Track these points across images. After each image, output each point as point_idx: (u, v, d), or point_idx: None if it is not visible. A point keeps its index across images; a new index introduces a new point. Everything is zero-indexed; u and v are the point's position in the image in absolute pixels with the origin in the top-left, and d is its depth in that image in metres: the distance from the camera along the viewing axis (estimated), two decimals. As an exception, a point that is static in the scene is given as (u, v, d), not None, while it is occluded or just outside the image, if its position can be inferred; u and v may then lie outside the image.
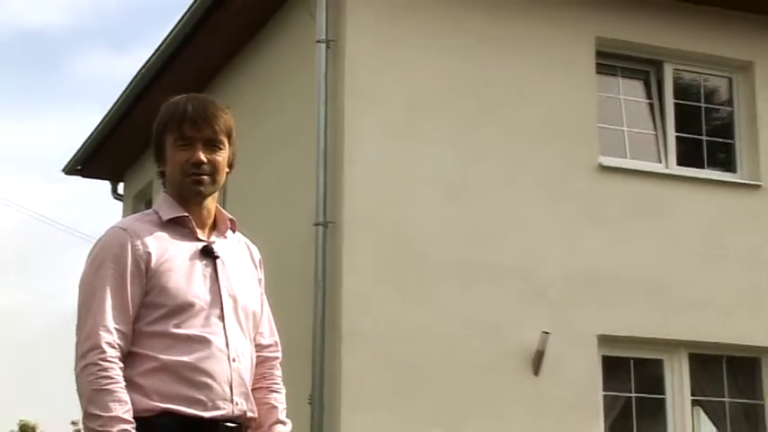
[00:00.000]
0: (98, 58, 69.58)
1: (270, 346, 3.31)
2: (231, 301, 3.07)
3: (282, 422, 3.23)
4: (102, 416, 2.78)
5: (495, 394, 9.27)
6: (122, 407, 2.80)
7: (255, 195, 9.20)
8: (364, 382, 8.92)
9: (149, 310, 2.95)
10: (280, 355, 3.34)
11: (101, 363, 2.82)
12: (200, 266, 3.05)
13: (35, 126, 68.59)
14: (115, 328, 2.87)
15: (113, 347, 2.85)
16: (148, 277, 2.95)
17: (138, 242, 2.98)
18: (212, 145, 3.08)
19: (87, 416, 2.83)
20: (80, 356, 2.87)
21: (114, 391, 2.81)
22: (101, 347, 2.83)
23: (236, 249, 3.23)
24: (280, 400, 3.26)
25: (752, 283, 10.31)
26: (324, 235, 9.15)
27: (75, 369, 2.89)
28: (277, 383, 3.29)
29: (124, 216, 14.44)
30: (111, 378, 2.82)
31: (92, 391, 2.81)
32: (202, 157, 3.04)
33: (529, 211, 9.70)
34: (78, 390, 2.88)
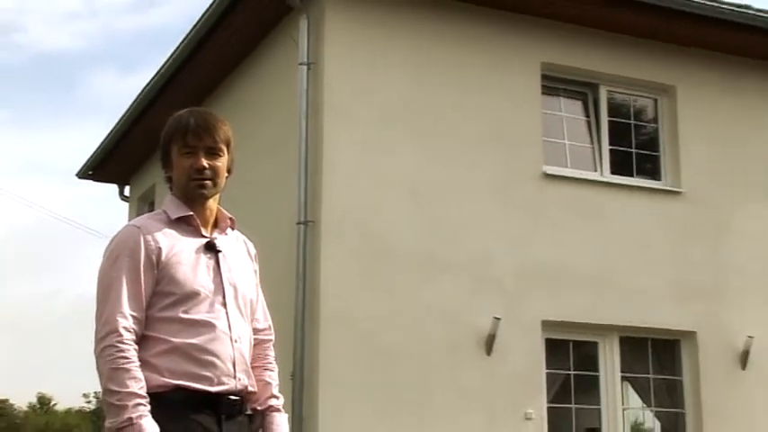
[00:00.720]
0: (108, 77, 69.55)
1: (264, 329, 3.31)
2: (232, 290, 3.08)
3: (276, 396, 3.25)
4: (120, 391, 2.79)
5: (452, 371, 9.28)
6: (137, 383, 2.81)
7: (245, 197, 9.13)
8: (339, 361, 8.90)
9: (160, 297, 2.96)
10: (273, 337, 3.35)
11: (118, 345, 2.83)
12: (205, 259, 3.06)
13: (52, 136, 68.21)
14: (130, 315, 2.89)
15: (129, 331, 2.86)
16: (159, 269, 2.96)
17: (150, 238, 2.99)
18: (213, 152, 3.10)
19: (106, 391, 2.83)
20: (99, 339, 2.88)
21: (130, 370, 2.81)
22: (118, 331, 2.84)
23: (234, 244, 3.24)
24: (273, 377, 3.28)
25: (673, 277, 10.39)
26: (305, 233, 9.12)
27: (94, 350, 2.90)
28: (271, 362, 3.30)
29: (129, 215, 14.49)
30: (128, 358, 2.82)
31: (110, 369, 2.82)
32: (204, 163, 3.07)
33: (482, 213, 9.70)
34: (98, 368, 2.88)
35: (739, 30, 10.69)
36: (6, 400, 31.45)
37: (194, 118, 3.12)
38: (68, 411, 33.29)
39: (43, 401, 35.02)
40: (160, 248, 2.98)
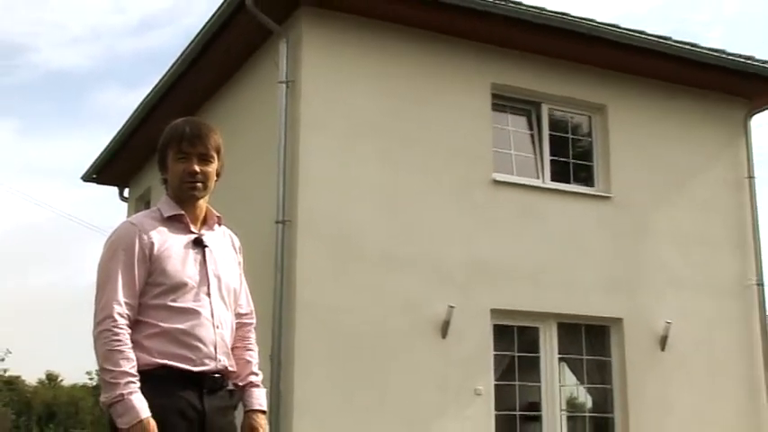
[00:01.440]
0: (111, 93, 69.14)
1: (247, 314, 3.31)
2: (216, 281, 3.08)
3: (255, 373, 3.25)
4: (114, 370, 2.80)
5: (412, 353, 9.24)
6: (129, 363, 2.81)
7: (231, 198, 9.02)
8: (312, 344, 8.83)
9: (152, 287, 2.96)
10: (255, 321, 3.35)
11: (113, 329, 2.84)
12: (192, 253, 3.06)
13: (60, 143, 67.63)
14: (125, 302, 2.89)
15: (123, 317, 2.87)
16: (152, 262, 2.97)
17: (144, 235, 2.99)
18: (205, 159, 3.09)
19: (102, 370, 2.84)
20: (97, 323, 2.88)
21: (123, 351, 2.82)
22: (113, 317, 2.85)
23: (221, 239, 3.23)
24: (254, 356, 3.27)
25: (604, 271, 10.44)
26: (282, 230, 9.05)
27: (93, 333, 2.91)
28: (252, 343, 3.29)
29: (128, 214, 14.35)
30: (121, 341, 2.83)
31: (106, 351, 2.82)
32: (197, 168, 3.07)
33: (439, 215, 9.67)
34: (95, 349, 2.88)
35: (664, 59, 10.78)
36: (18, 377, 31.15)
37: (189, 127, 3.11)
38: (73, 386, 32.97)
39: (51, 378, 34.68)
40: (153, 243, 2.98)
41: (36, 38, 65.90)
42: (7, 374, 28.50)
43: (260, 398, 3.21)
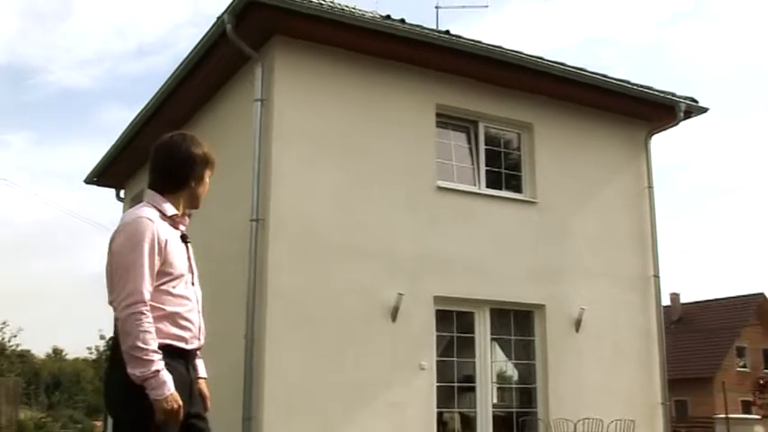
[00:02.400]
0: (112, 109, 68.44)
1: None
2: (195, 272, 3.15)
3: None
4: (147, 349, 2.79)
5: (367, 334, 9.12)
6: (156, 343, 2.83)
7: (213, 200, 8.85)
8: (281, 325, 8.65)
9: (160, 275, 2.95)
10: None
11: (145, 312, 2.83)
12: (183, 248, 3.10)
13: (68, 151, 66.72)
14: (148, 290, 2.88)
15: (148, 302, 2.87)
16: (163, 255, 2.96)
17: (159, 230, 2.97)
18: None
19: (134, 347, 2.80)
20: (128, 305, 2.83)
21: (152, 332, 2.82)
22: (144, 302, 2.84)
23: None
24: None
25: (529, 264, 10.41)
26: (256, 228, 8.85)
27: (120, 313, 2.85)
28: None
29: (124, 212, 13.94)
30: (150, 323, 2.83)
31: (140, 331, 2.80)
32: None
33: (391, 215, 9.53)
34: (126, 328, 2.83)
35: (580, 86, 10.80)
36: (28, 351, 30.52)
37: (213, 156, 3.25)
38: (77, 360, 32.31)
39: (56, 352, 34.03)
40: (164, 239, 2.97)
41: (48, 61, 65.08)
42: (19, 349, 28.02)
43: (203, 367, 3.25)
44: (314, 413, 8.59)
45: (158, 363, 2.79)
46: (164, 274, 2.94)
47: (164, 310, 2.91)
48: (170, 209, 3.08)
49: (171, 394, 2.79)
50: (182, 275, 3.01)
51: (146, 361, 2.78)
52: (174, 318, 2.94)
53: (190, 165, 3.15)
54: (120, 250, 2.93)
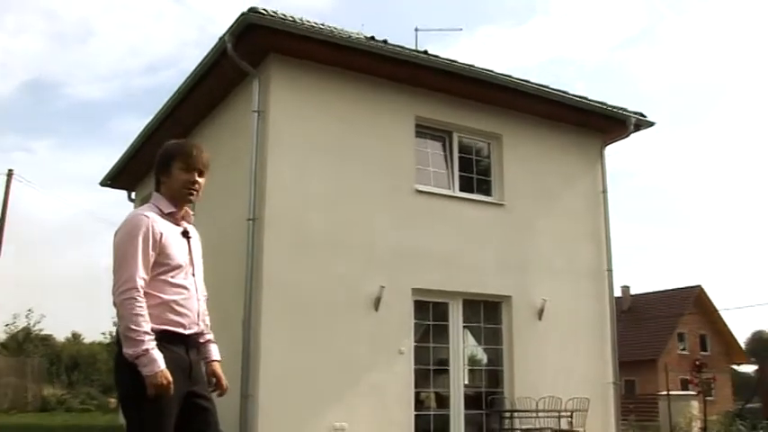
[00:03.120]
0: (126, 120, 67.92)
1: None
2: (197, 264, 3.07)
3: (210, 333, 3.18)
4: (139, 330, 2.75)
5: (352, 321, 8.97)
6: (148, 325, 2.78)
7: (215, 201, 8.73)
8: (274, 313, 8.50)
9: (157, 266, 2.89)
10: (207, 295, 3.23)
11: (137, 298, 2.78)
12: (183, 242, 3.02)
13: (86, 157, 66.08)
14: (143, 277, 2.83)
15: (142, 288, 2.82)
16: (159, 246, 2.91)
17: (154, 225, 2.92)
18: (201, 173, 3.07)
19: (128, 329, 2.76)
20: (122, 291, 2.79)
21: (144, 315, 2.77)
22: (137, 288, 2.80)
23: (194, 233, 3.17)
24: (208, 321, 3.19)
25: (498, 260, 10.32)
26: (253, 226, 8.69)
27: (116, 298, 2.81)
28: (206, 312, 3.18)
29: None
30: (143, 307, 2.78)
31: (132, 314, 2.76)
32: (197, 179, 3.05)
33: (375, 214, 9.39)
34: (120, 312, 2.80)
35: (544, 101, 10.69)
36: (51, 335, 30.24)
37: (195, 148, 3.07)
38: (92, 343, 31.82)
39: (75, 336, 33.61)
40: (160, 233, 2.92)
41: (70, 76, 64.43)
42: (42, 333, 27.68)
43: (216, 351, 3.18)
44: (305, 392, 8.44)
45: (149, 343, 2.75)
46: (160, 264, 2.89)
47: (161, 298, 2.87)
48: (166, 207, 3.03)
49: (160, 371, 2.73)
50: (179, 266, 2.94)
51: (137, 341, 2.74)
52: (171, 305, 2.88)
53: (159, 163, 3.08)
54: (118, 244, 2.91)
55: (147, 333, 2.74)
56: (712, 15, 70.71)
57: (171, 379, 2.75)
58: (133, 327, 2.74)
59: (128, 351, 2.75)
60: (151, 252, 2.87)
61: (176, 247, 2.96)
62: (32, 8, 55.87)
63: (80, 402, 21.39)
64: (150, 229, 2.90)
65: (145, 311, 2.78)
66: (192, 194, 3.04)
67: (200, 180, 3.05)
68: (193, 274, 3.01)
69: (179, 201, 3.04)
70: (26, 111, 62.21)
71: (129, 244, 2.86)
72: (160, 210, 3.01)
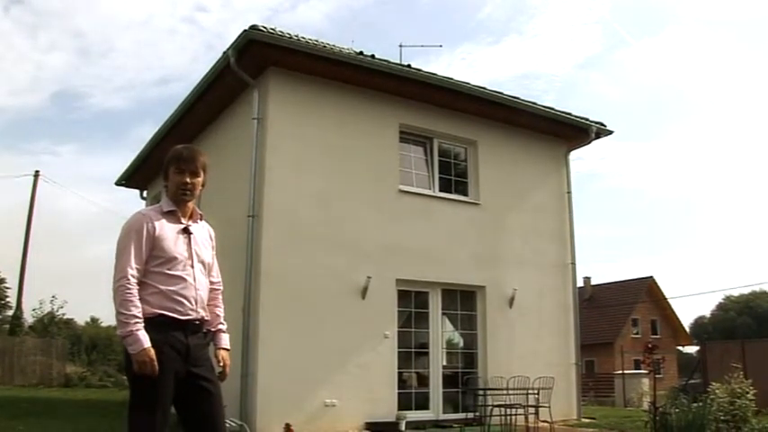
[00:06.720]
0: (141, 127, 67.31)
1: (217, 282, 3.18)
2: (197, 257, 3.01)
3: (222, 323, 3.16)
4: (127, 313, 2.76)
5: (342, 309, 8.86)
6: (137, 309, 2.77)
7: (218, 199, 8.58)
8: (271, 301, 8.38)
9: (153, 259, 2.87)
10: (222, 287, 3.21)
11: (127, 285, 2.78)
12: (182, 237, 2.98)
13: (105, 161, 65.57)
14: (135, 267, 2.82)
15: (133, 277, 2.80)
16: (153, 241, 2.88)
17: (150, 222, 2.91)
18: (194, 174, 3.02)
19: (118, 313, 2.78)
20: (116, 280, 2.82)
21: (133, 301, 2.77)
22: (127, 277, 2.79)
23: (201, 230, 3.11)
24: (221, 311, 3.17)
25: (473, 253, 10.21)
26: (252, 222, 8.55)
27: (112, 287, 2.83)
28: (220, 302, 3.19)
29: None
30: (132, 293, 2.77)
31: (122, 299, 2.77)
32: (188, 180, 3.00)
33: (363, 212, 9.27)
34: (114, 298, 2.81)
35: (515, 111, 10.61)
36: (72, 319, 29.92)
37: (185, 151, 3.04)
38: (109, 327, 31.53)
39: (94, 320, 33.25)
40: (155, 228, 2.90)
41: (92, 88, 63.92)
42: (65, 317, 27.39)
43: (225, 340, 3.14)
44: (299, 371, 8.34)
45: (134, 325, 2.75)
46: (156, 257, 2.88)
47: (158, 288, 2.85)
48: (167, 206, 3.00)
49: (143, 350, 2.73)
50: (174, 258, 2.90)
51: (124, 323, 2.76)
52: (167, 294, 2.85)
53: (162, 168, 3.09)
54: (118, 240, 2.92)
55: (134, 316, 2.74)
56: (666, 40, 71.27)
57: (154, 357, 2.74)
58: (122, 311, 2.76)
59: (119, 332, 2.79)
60: (144, 246, 2.87)
61: (172, 242, 2.92)
62: (61, 27, 55.34)
63: (98, 379, 21.19)
64: (144, 225, 2.90)
65: (134, 298, 2.78)
66: (185, 194, 3.00)
67: (194, 180, 3.00)
68: (192, 266, 2.95)
69: (177, 200, 3.01)
70: (54, 118, 61.68)
71: (125, 238, 2.89)
72: (161, 209, 3.00)
